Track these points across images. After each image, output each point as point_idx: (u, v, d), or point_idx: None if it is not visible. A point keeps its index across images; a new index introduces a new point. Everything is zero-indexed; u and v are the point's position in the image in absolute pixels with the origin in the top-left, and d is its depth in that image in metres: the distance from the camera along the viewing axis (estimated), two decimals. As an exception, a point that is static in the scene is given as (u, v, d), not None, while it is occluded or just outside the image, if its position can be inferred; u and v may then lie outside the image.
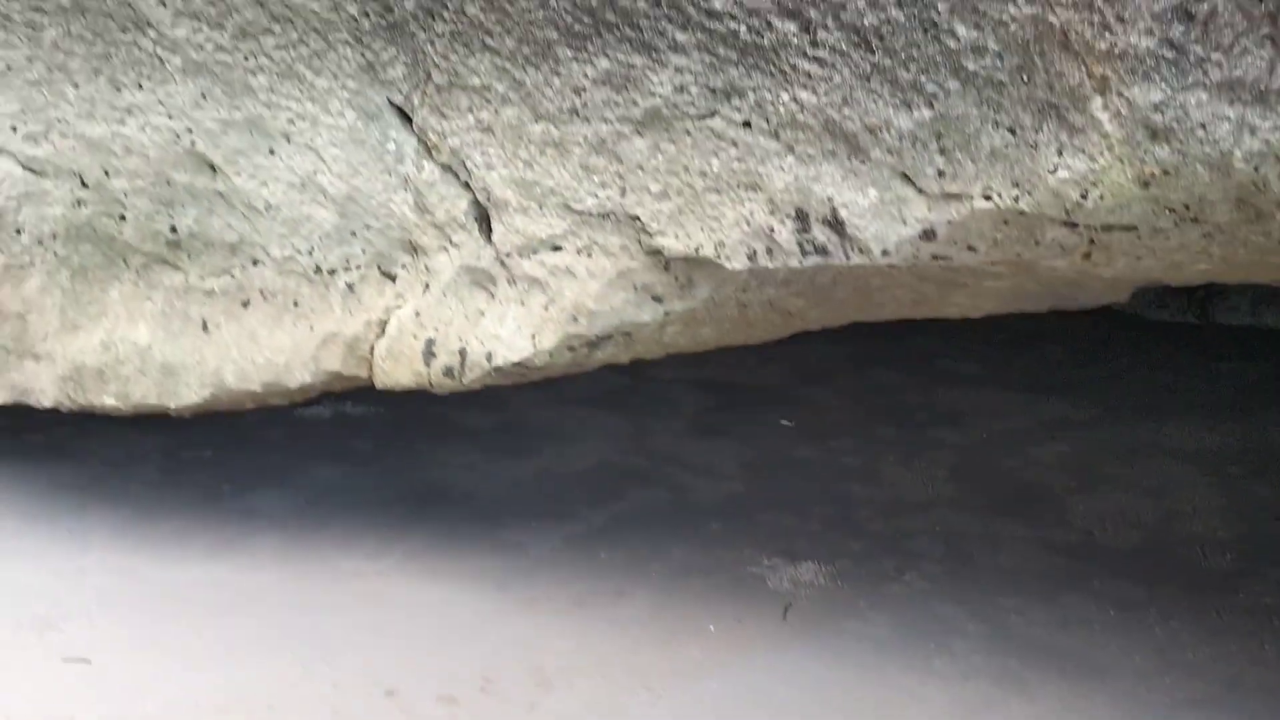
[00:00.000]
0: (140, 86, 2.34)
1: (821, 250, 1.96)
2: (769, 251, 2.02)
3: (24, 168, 2.49)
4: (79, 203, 2.50)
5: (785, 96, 1.87)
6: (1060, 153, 1.68)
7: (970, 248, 1.88)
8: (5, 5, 2.29)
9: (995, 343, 4.35)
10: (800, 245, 1.97)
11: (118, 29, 2.27)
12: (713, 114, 1.96)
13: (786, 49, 1.82)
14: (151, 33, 2.26)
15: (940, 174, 1.80)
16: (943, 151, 1.78)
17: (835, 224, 1.92)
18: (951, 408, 3.86)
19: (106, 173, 2.45)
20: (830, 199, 1.91)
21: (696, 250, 2.10)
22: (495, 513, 3.14)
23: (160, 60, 2.29)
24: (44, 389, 2.70)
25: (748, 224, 2.02)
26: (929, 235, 1.86)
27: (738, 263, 2.07)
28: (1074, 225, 1.77)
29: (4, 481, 3.27)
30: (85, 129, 2.40)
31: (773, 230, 1.99)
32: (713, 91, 1.93)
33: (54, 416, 2.99)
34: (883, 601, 2.66)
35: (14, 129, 2.44)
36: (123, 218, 2.51)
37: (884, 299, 2.29)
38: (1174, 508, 3.12)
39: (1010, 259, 1.91)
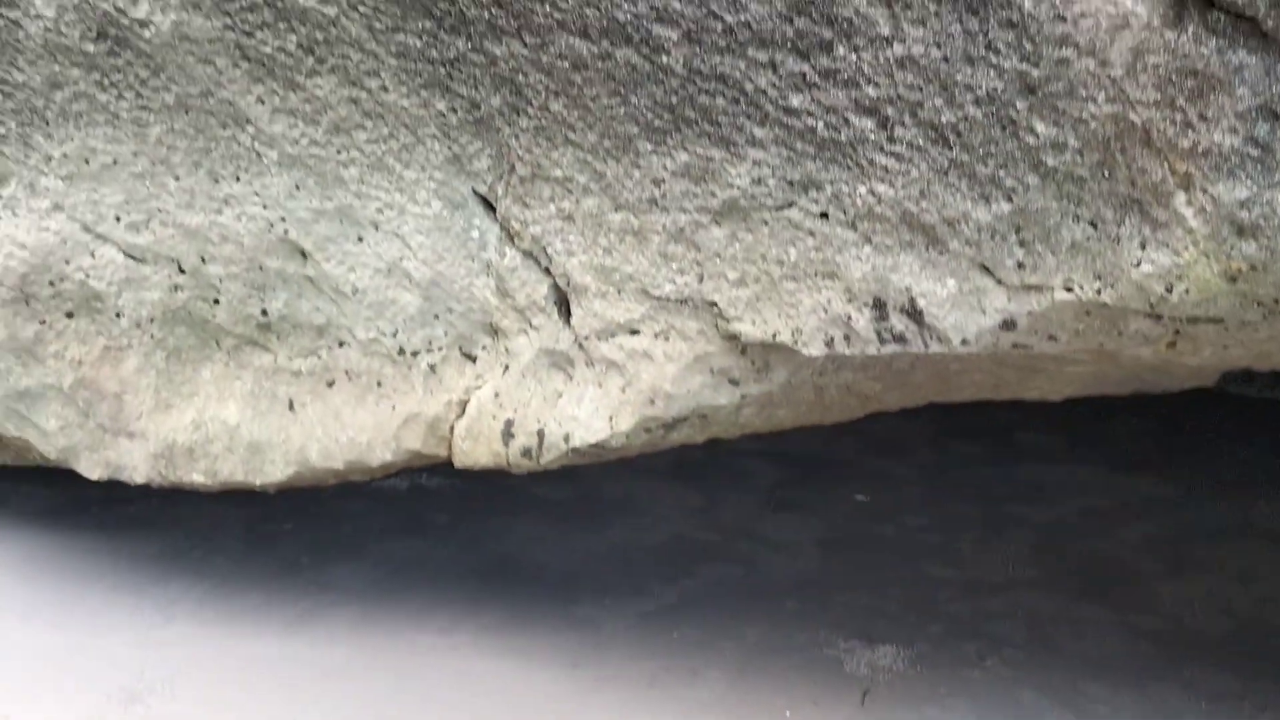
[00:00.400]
0: (238, 178, 2.45)
1: (899, 338, 1.96)
2: (846, 339, 2.02)
3: (125, 255, 2.61)
4: (176, 288, 2.61)
5: (862, 189, 1.89)
6: (1143, 247, 1.68)
7: (1051, 337, 1.87)
8: (115, 104, 2.42)
9: (1076, 417, 4.27)
10: (878, 333, 1.98)
11: (218, 125, 2.39)
12: (790, 205, 1.99)
13: (864, 144, 1.84)
14: (250, 129, 2.37)
15: (1020, 266, 1.80)
16: (1022, 244, 1.78)
17: (913, 313, 1.93)
18: (1031, 484, 3.79)
19: (203, 259, 2.56)
20: (908, 288, 1.92)
21: (773, 336, 2.11)
22: (568, 587, 3.15)
23: (257, 154, 2.40)
24: (136, 466, 2.79)
25: (825, 311, 2.03)
26: (1009, 325, 1.85)
27: (815, 349, 2.08)
28: (1158, 317, 1.75)
29: (97, 551, 3.38)
30: (184, 218, 2.52)
31: (850, 318, 2.00)
32: (790, 184, 1.96)
33: (144, 487, 3.09)
34: (964, 688, 2.60)
35: (118, 218, 2.57)
36: (216, 301, 2.61)
37: (962, 382, 2.28)
38: (1266, 593, 3.02)
39: (1092, 348, 1.90)
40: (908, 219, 1.87)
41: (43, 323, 2.70)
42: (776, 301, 2.08)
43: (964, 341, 1.89)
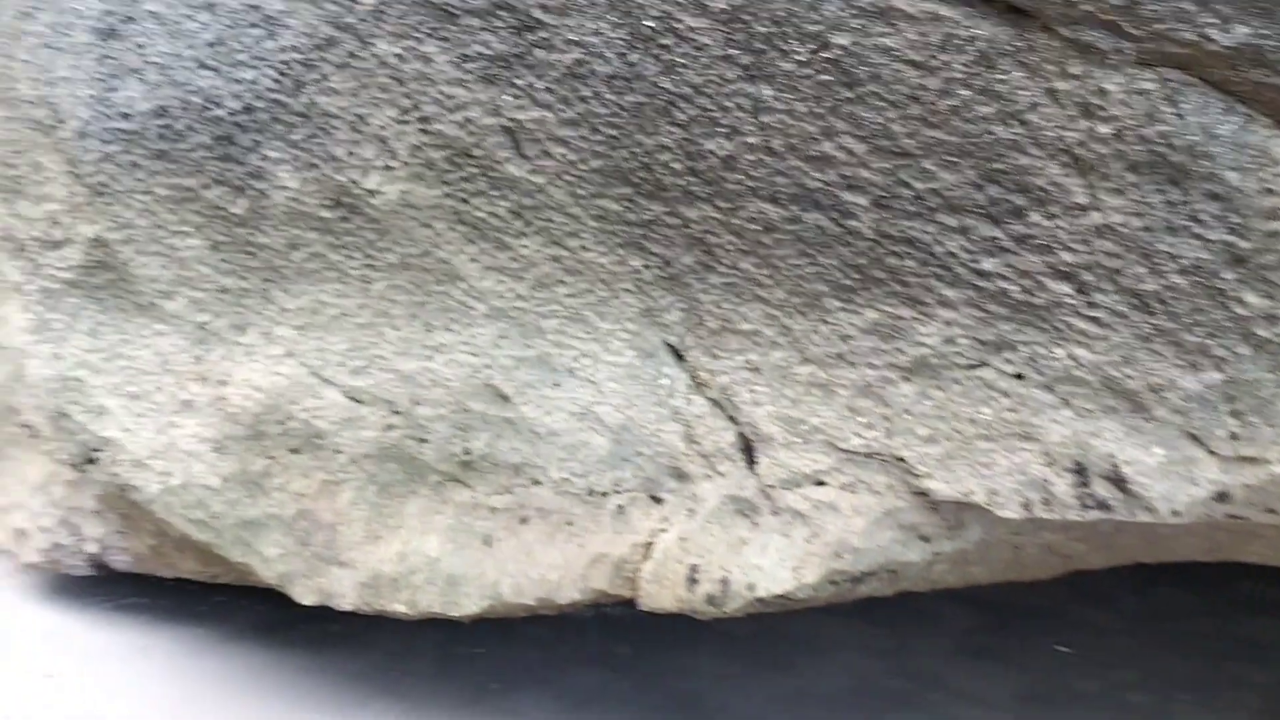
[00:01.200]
0: (449, 329, 2.63)
1: (1103, 505, 1.89)
2: (1045, 503, 1.96)
3: (347, 397, 2.83)
4: (389, 427, 2.80)
5: (1060, 352, 1.85)
6: (1374, 423, 1.57)
7: (1270, 510, 1.76)
8: (345, 263, 2.67)
9: (1304, 566, 3.92)
10: (1079, 499, 1.91)
11: (434, 281, 2.59)
12: (982, 365, 1.97)
13: (1060, 308, 1.82)
14: (462, 284, 2.56)
15: (1233, 437, 1.71)
16: (1235, 414, 1.70)
17: (1117, 480, 1.86)
18: (1254, 639, 3.49)
19: (414, 401, 2.75)
20: (1111, 455, 1.85)
21: (966, 496, 2.07)
22: (752, 732, 3.09)
23: (467, 307, 2.58)
24: (345, 594, 2.96)
25: (1022, 474, 1.98)
26: (1222, 497, 1.76)
27: (1011, 511, 2.02)
28: (1395, 496, 1.63)
29: (306, 668, 3.56)
30: (400, 364, 2.72)
31: (1049, 482, 1.94)
32: (982, 344, 1.95)
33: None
34: None
35: (341, 364, 2.79)
36: (424, 440, 2.78)
37: (1174, 545, 2.16)
38: None
39: (1320, 522, 1.77)
40: (1109, 384, 1.82)
41: (270, 458, 2.94)
42: (969, 460, 2.05)
43: (1174, 512, 1.81)
